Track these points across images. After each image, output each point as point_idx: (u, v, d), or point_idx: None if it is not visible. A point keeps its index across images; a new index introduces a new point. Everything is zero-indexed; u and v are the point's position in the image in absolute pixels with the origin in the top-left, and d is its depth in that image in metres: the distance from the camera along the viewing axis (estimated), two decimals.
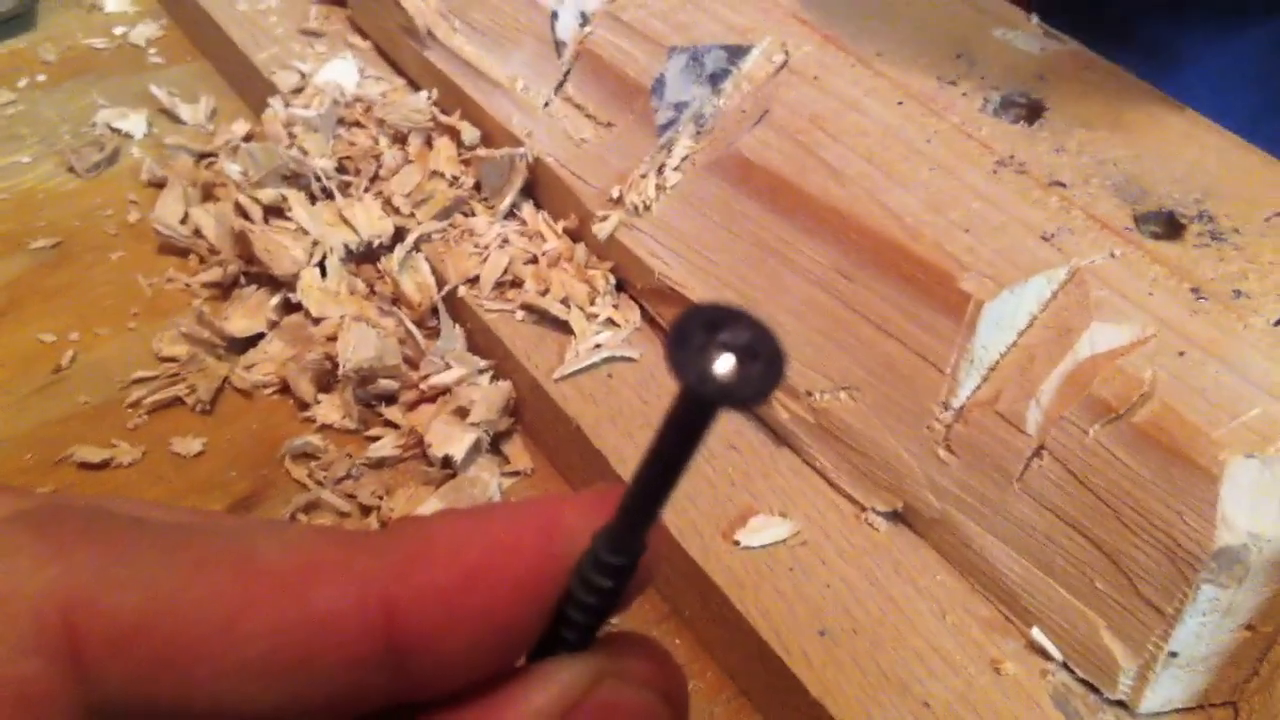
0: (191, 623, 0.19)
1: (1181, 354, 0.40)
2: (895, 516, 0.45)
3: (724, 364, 0.16)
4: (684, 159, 0.53)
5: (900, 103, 0.51)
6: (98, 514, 0.20)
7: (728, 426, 0.48)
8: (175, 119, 0.72)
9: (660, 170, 0.53)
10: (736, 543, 0.44)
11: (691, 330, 0.17)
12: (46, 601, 0.19)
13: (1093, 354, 0.40)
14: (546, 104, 0.59)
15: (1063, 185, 0.47)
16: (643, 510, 0.20)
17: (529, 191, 0.59)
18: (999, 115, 0.52)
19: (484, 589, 0.20)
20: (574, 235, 0.56)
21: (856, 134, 0.49)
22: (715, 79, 0.54)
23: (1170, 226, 0.46)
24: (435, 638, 0.20)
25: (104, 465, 0.52)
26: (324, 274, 0.56)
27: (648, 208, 0.52)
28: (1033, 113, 0.52)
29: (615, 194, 0.53)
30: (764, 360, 0.17)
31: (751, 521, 0.44)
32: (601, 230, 0.53)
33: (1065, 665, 0.40)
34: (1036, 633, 0.40)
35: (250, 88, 0.70)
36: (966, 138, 0.49)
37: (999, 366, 0.42)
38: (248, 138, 0.67)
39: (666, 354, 0.16)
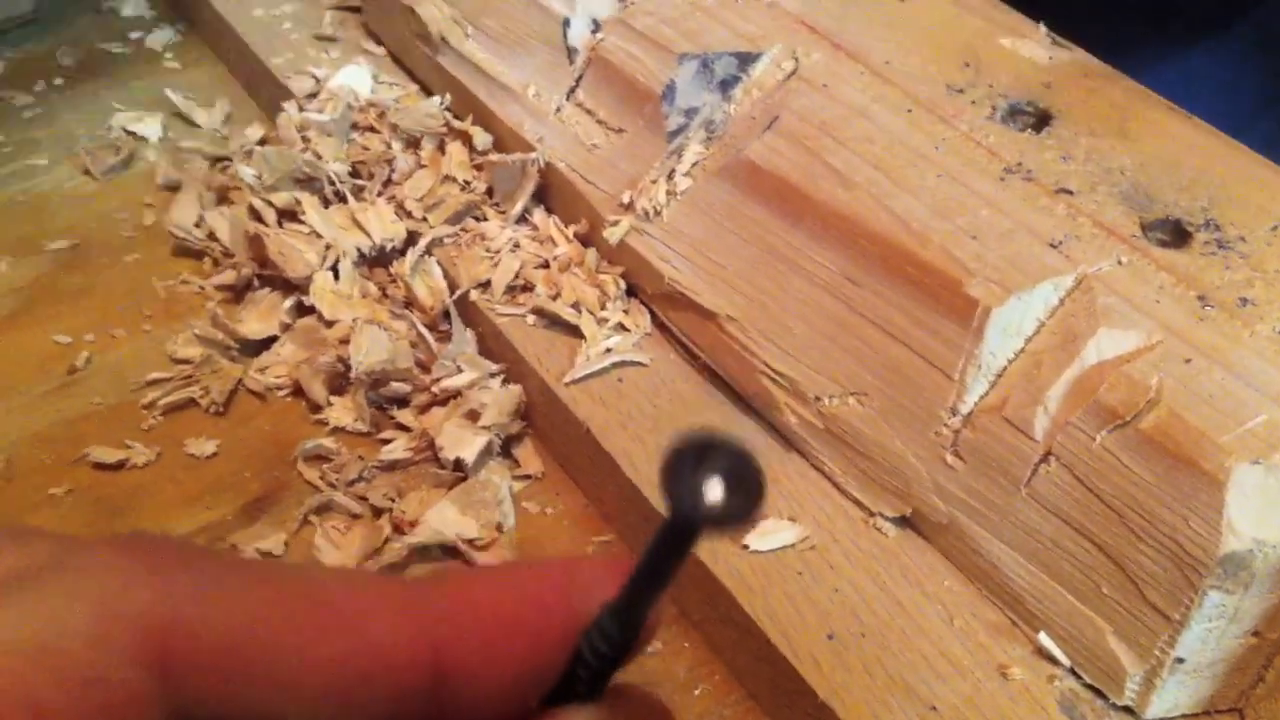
0: (269, 648, 0.21)
1: (1188, 361, 0.40)
2: (903, 522, 0.45)
3: (712, 492, 0.18)
4: (694, 165, 0.53)
5: (909, 110, 0.51)
6: (187, 545, 0.24)
7: (735, 430, 0.49)
8: (190, 123, 0.73)
9: (670, 176, 0.53)
10: (745, 546, 0.44)
11: (682, 459, 0.18)
12: (146, 618, 0.20)
13: (1099, 360, 0.41)
14: (558, 110, 0.59)
15: (1070, 193, 0.47)
16: (639, 602, 0.22)
17: (540, 197, 0.59)
18: (1006, 123, 0.52)
19: (515, 637, 0.23)
20: (585, 240, 0.57)
21: (864, 141, 0.49)
22: (725, 86, 0.54)
23: (1177, 234, 0.46)
24: (472, 675, 0.23)
25: (119, 466, 0.52)
26: (337, 277, 0.57)
27: (658, 213, 0.53)
28: (1040, 121, 0.52)
29: (626, 199, 0.54)
30: (747, 486, 0.18)
31: (760, 526, 0.44)
32: (612, 235, 0.53)
33: (1072, 671, 0.40)
34: (1043, 638, 0.41)
35: (265, 92, 0.71)
36: (974, 145, 0.50)
37: (1006, 373, 0.43)
38: (262, 142, 0.68)
39: (660, 480, 0.18)
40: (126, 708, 0.20)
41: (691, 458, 0.18)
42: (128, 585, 0.21)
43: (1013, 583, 0.41)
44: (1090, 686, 0.40)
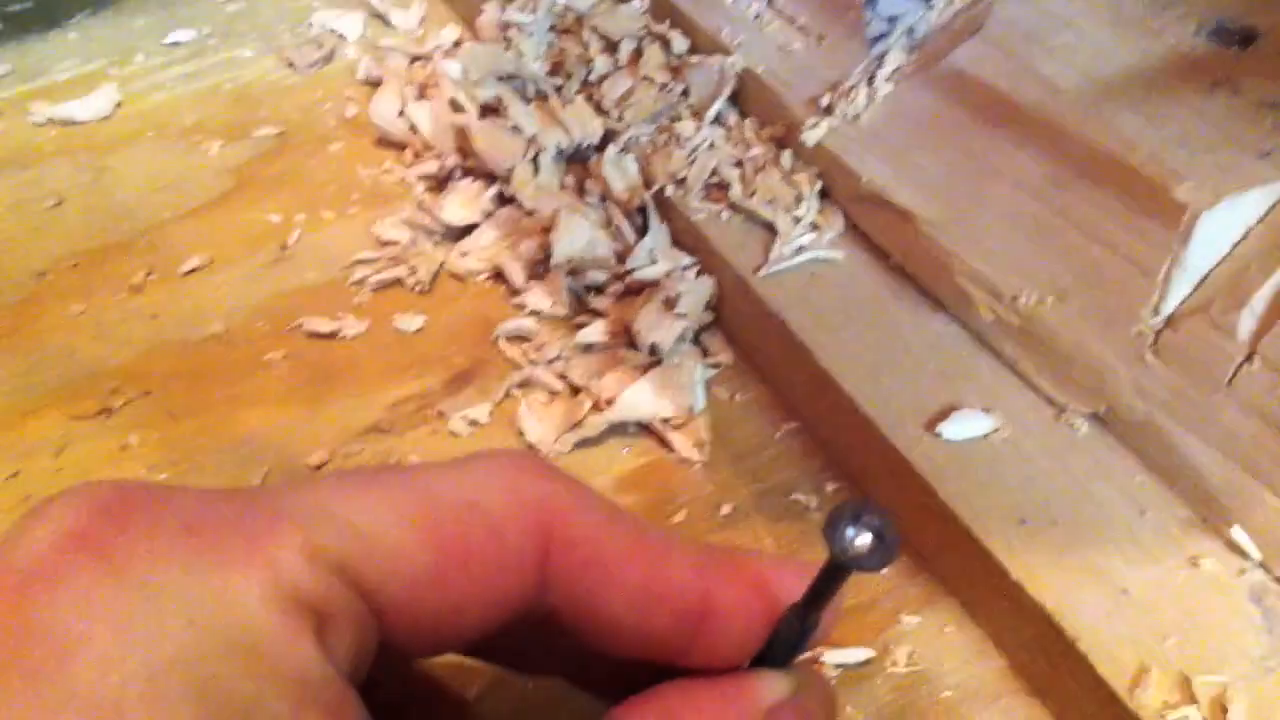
0: (610, 555, 0.27)
1: None
2: (1096, 419, 0.46)
3: (864, 542, 0.23)
4: (895, 70, 0.54)
5: (1114, 24, 0.52)
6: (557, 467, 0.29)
7: (927, 327, 0.50)
8: (387, 23, 0.75)
9: (871, 81, 0.54)
10: (938, 435, 0.45)
11: (842, 515, 0.24)
12: (541, 504, 0.27)
13: None
14: (757, 16, 0.60)
15: (1277, 108, 0.47)
16: (809, 609, 0.28)
17: (735, 101, 0.61)
18: (1212, 40, 0.52)
19: (754, 602, 0.29)
20: (779, 143, 0.58)
21: (1071, 50, 0.50)
22: None
23: None
24: (724, 620, 0.28)
25: (332, 335, 0.55)
26: (536, 170, 0.59)
27: (857, 117, 0.54)
28: (1245, 39, 0.52)
29: (825, 103, 0.55)
30: (887, 543, 0.24)
31: (954, 415, 0.46)
32: (810, 137, 0.55)
33: (1262, 565, 0.41)
34: (1236, 531, 0.41)
35: None
36: (1181, 58, 0.50)
37: (1211, 276, 0.43)
38: (457, 43, 0.70)
39: (824, 530, 0.24)
40: (519, 564, 0.26)
41: (850, 514, 0.24)
42: (529, 477, 0.27)
43: (1208, 480, 0.42)
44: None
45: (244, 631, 0.21)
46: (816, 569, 0.27)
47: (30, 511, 0.22)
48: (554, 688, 0.35)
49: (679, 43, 0.62)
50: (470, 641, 0.27)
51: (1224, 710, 0.37)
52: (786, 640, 0.29)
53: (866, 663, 0.42)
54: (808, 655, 0.33)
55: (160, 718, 0.19)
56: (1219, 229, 0.43)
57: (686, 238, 0.57)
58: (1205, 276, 0.44)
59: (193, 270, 0.59)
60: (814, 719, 0.30)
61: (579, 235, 0.55)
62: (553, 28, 0.66)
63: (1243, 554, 0.41)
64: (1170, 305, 0.44)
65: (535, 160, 0.59)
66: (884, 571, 0.29)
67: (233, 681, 0.20)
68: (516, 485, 0.27)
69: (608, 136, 0.60)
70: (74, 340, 0.55)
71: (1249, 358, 0.41)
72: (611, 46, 0.64)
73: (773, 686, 0.29)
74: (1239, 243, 0.43)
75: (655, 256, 0.56)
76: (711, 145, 0.58)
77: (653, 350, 0.52)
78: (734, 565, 0.29)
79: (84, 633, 0.20)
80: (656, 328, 0.52)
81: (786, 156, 0.57)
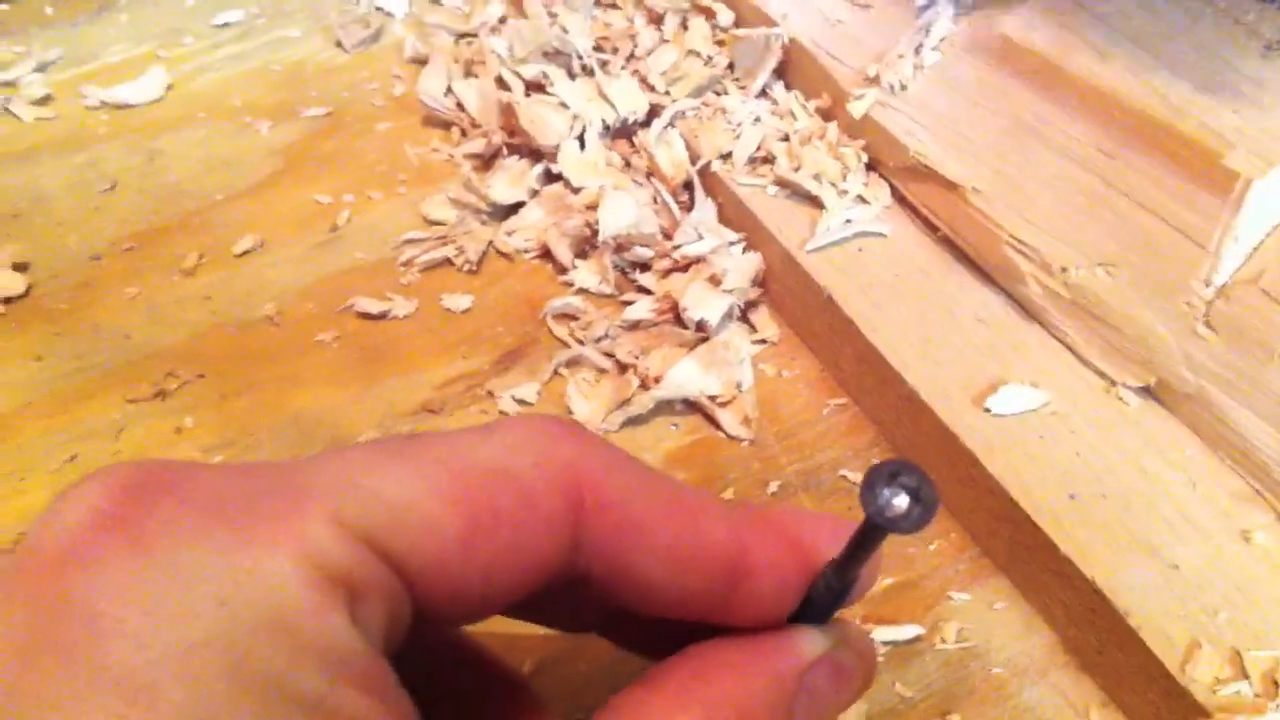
0: (641, 514, 0.27)
1: None
2: (1146, 391, 0.46)
3: (900, 503, 0.23)
4: (942, 39, 0.54)
5: None
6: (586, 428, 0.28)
7: (974, 300, 0.50)
8: (434, 0, 0.76)
9: (918, 50, 0.54)
10: (987, 410, 0.45)
11: (878, 476, 0.23)
12: (571, 466, 0.26)
13: None
14: None
15: None
16: (845, 568, 0.27)
17: (780, 73, 0.60)
18: (1266, 2, 0.51)
19: (790, 558, 0.29)
20: (825, 116, 0.58)
21: (1121, 16, 0.49)
22: None
23: None
24: (760, 578, 0.28)
25: (381, 316, 0.55)
26: (583, 147, 0.59)
27: (904, 87, 0.54)
28: None
29: (871, 73, 0.54)
30: (925, 504, 0.23)
31: (1002, 390, 0.45)
32: (857, 108, 0.54)
33: None
34: None
35: None
36: (1234, 23, 0.49)
37: (1263, 245, 0.43)
38: (503, 19, 0.70)
39: (860, 492, 0.23)
40: (551, 529, 0.26)
41: (886, 476, 0.23)
42: (558, 441, 0.27)
43: (1260, 451, 0.42)
44: None
45: (275, 608, 0.21)
46: (852, 525, 0.26)
47: (60, 494, 0.22)
48: (602, 658, 0.35)
49: (724, 15, 0.62)
50: (505, 605, 0.27)
51: (1276, 684, 0.36)
52: (823, 598, 0.29)
53: (916, 640, 0.42)
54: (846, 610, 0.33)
55: (195, 695, 0.19)
56: (1272, 197, 0.42)
57: (733, 213, 0.56)
58: (1257, 246, 0.43)
59: (245, 252, 0.59)
60: (852, 675, 0.30)
61: (625, 212, 0.55)
62: (598, 2, 0.66)
63: None
64: (1222, 276, 0.43)
65: (581, 137, 0.59)
66: (920, 532, 0.28)
67: (265, 658, 0.20)
68: (546, 449, 0.26)
69: (654, 112, 0.60)
70: (129, 323, 0.56)
71: None
72: (657, 20, 0.64)
73: (809, 644, 0.29)
74: None
75: (702, 232, 0.55)
76: (757, 119, 0.58)
77: (700, 327, 0.52)
78: (768, 523, 0.29)
79: (116, 613, 0.20)
80: (703, 304, 0.52)
81: (833, 129, 0.57)
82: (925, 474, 0.23)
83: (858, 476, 0.48)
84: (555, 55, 0.62)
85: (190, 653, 0.20)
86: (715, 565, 0.28)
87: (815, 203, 0.54)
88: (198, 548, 0.21)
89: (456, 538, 0.24)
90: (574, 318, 0.55)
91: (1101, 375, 0.46)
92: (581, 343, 0.53)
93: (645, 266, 0.56)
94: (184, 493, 0.22)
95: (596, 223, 0.55)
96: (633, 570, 0.27)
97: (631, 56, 0.63)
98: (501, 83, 0.63)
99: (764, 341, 0.54)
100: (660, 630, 0.30)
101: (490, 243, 0.59)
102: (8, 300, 0.57)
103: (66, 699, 0.19)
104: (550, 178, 0.60)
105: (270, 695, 0.20)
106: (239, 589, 0.21)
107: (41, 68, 0.73)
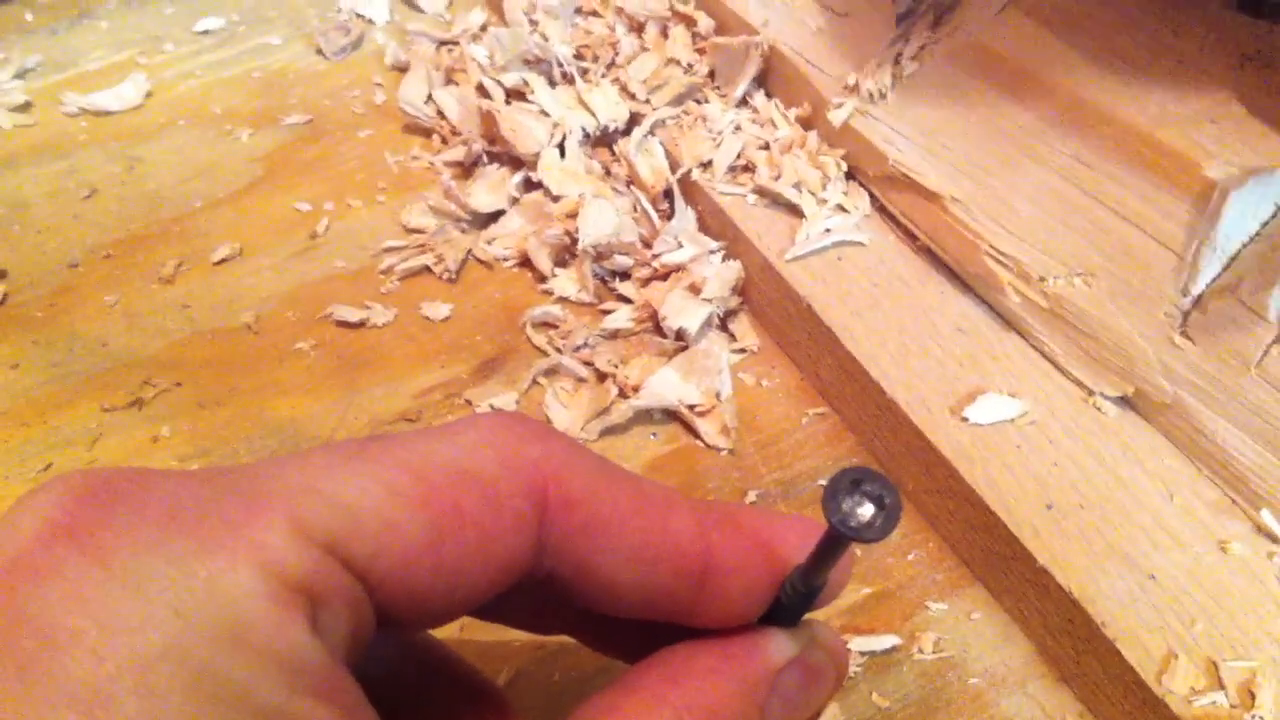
0: (606, 511, 0.27)
1: None
2: (1124, 401, 0.46)
3: (864, 512, 0.23)
4: (921, 48, 0.54)
5: None
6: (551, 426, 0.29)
7: (954, 309, 0.50)
8: (414, 7, 0.75)
9: (897, 59, 0.54)
10: (964, 419, 0.45)
11: (841, 485, 0.23)
12: (536, 465, 0.26)
13: None
14: None
15: None
16: (812, 573, 0.27)
17: (761, 81, 0.60)
18: (1243, 12, 0.51)
19: (756, 559, 0.29)
20: (805, 124, 0.58)
21: (1101, 26, 0.49)
22: None
23: None
24: (726, 577, 0.28)
25: (360, 324, 0.55)
26: (563, 155, 0.59)
27: (884, 95, 0.54)
28: (1276, 11, 0.52)
29: (851, 82, 0.55)
30: (887, 513, 0.23)
31: (980, 399, 0.45)
32: (836, 116, 0.54)
33: None
34: (1265, 515, 0.41)
35: None
36: (1212, 32, 0.49)
37: (1240, 255, 0.43)
38: (484, 27, 0.70)
39: (823, 501, 0.23)
40: (516, 529, 0.26)
41: (849, 483, 0.23)
42: (522, 440, 0.27)
43: (1237, 461, 0.42)
44: None
45: (232, 619, 0.21)
46: (821, 527, 0.26)
47: (14, 504, 0.22)
48: (580, 667, 0.35)
49: (705, 22, 0.62)
50: (472, 608, 0.27)
51: (1252, 695, 0.36)
52: (793, 601, 0.29)
53: (893, 650, 0.42)
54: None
55: (152, 708, 0.19)
56: (1248, 207, 0.42)
57: (713, 221, 0.56)
58: (1235, 256, 0.43)
59: (223, 260, 0.59)
60: (823, 675, 0.30)
61: (605, 220, 0.55)
62: (578, 10, 0.66)
63: (1272, 537, 0.41)
64: (1199, 285, 0.43)
65: (561, 145, 0.59)
66: (885, 540, 0.28)
67: (224, 670, 0.20)
68: (510, 448, 0.26)
69: (634, 119, 0.60)
70: (106, 331, 0.56)
71: (1278, 338, 0.41)
72: (638, 28, 0.64)
73: (779, 647, 0.29)
74: (1269, 221, 0.43)
75: (682, 241, 0.55)
76: (738, 128, 0.58)
77: (679, 335, 0.52)
78: (735, 522, 0.29)
79: (72, 625, 0.20)
80: (683, 313, 0.52)
81: (813, 138, 0.57)
82: (889, 481, 0.23)
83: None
84: (536, 63, 0.62)
85: (147, 665, 0.19)
86: (682, 564, 0.28)
87: (795, 211, 0.54)
88: (154, 557, 0.21)
89: (420, 541, 0.24)
90: (553, 326, 0.55)
91: (1079, 385, 0.46)
92: (560, 351, 0.53)
93: (625, 275, 0.56)
94: (140, 501, 0.22)
95: (576, 231, 0.55)
96: (599, 569, 0.27)
97: (612, 64, 0.63)
98: (482, 90, 0.63)
99: (743, 350, 0.54)
100: (632, 632, 0.30)
101: (470, 251, 0.59)
102: None
103: (24, 712, 0.19)
104: (530, 185, 0.60)
105: (228, 707, 0.20)
106: (196, 600, 0.20)
107: (21, 74, 0.73)
